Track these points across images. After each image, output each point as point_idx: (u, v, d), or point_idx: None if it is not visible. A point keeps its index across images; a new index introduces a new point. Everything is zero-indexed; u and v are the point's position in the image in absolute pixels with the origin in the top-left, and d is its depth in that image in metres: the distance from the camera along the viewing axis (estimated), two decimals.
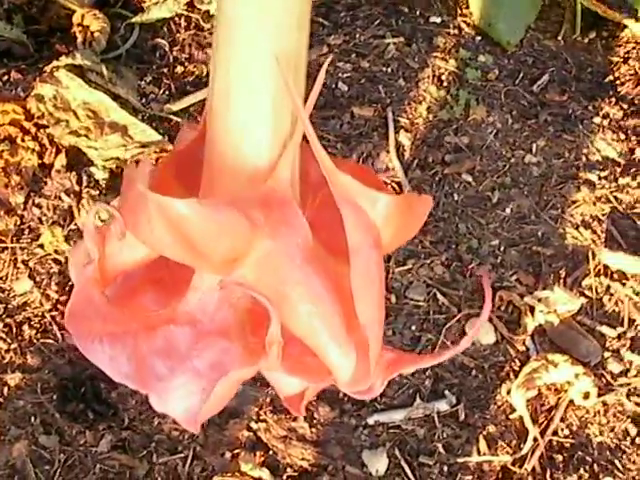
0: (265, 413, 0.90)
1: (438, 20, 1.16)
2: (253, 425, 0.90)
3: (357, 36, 1.13)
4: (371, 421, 0.92)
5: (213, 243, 0.36)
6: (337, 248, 0.39)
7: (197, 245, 0.36)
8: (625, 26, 1.22)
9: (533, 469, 0.91)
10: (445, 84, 1.12)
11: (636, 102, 1.16)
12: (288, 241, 0.36)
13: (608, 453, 0.93)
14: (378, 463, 0.90)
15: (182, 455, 0.86)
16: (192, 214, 0.35)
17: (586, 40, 1.21)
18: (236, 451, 0.88)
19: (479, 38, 1.17)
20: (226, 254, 0.36)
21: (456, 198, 1.04)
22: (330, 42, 1.11)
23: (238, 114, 0.36)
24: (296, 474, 0.87)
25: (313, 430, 0.90)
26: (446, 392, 0.94)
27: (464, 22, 1.17)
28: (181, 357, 0.39)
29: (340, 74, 1.09)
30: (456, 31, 1.16)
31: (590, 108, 1.14)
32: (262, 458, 0.88)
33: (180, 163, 0.42)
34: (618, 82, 1.18)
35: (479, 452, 0.92)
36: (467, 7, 1.18)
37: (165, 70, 1.08)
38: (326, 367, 0.38)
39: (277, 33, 0.35)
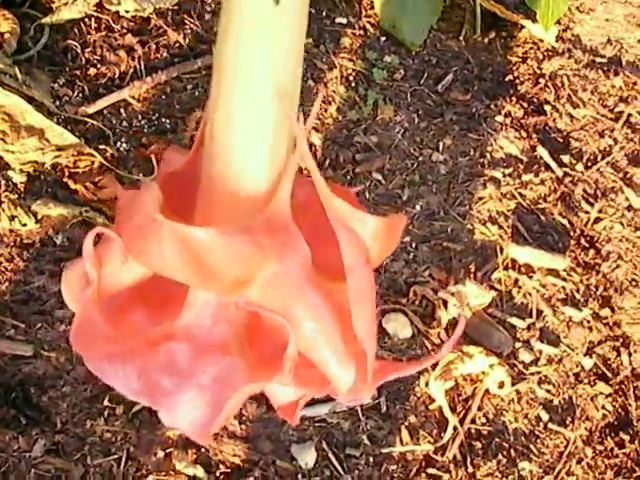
0: None
1: (344, 21, 1.32)
2: None
3: None
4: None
5: (227, 268, 0.42)
6: (328, 266, 0.45)
7: (210, 269, 0.42)
8: (523, 26, 1.40)
9: (454, 457, 1.07)
10: (353, 84, 1.28)
11: (535, 101, 1.35)
12: (292, 263, 0.43)
13: (523, 439, 1.10)
14: (307, 456, 1.04)
15: (116, 456, 0.97)
16: (211, 242, 0.41)
17: (486, 40, 1.39)
18: (169, 450, 0.99)
19: (384, 39, 1.32)
20: (237, 277, 0.43)
21: (367, 196, 1.20)
22: None
23: (240, 143, 0.43)
24: (229, 470, 1.00)
25: (243, 427, 1.03)
26: None
27: (369, 23, 1.33)
28: (185, 373, 0.45)
29: None
30: (362, 32, 1.32)
31: (492, 107, 1.32)
32: (195, 456, 1.00)
33: (168, 185, 0.48)
34: (518, 81, 1.37)
35: (402, 442, 1.07)
36: (372, 8, 1.34)
37: (78, 72, 1.17)
38: (325, 378, 0.45)
39: (278, 67, 0.44)
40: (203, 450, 1.00)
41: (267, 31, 0.43)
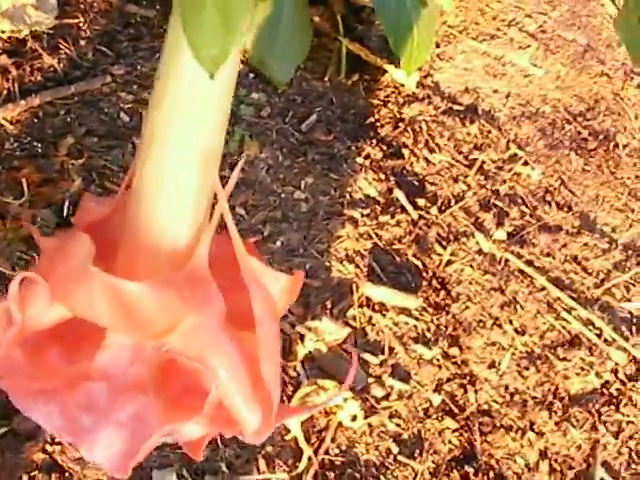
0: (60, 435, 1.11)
1: None
2: (48, 448, 1.10)
3: (139, 67, 1.37)
4: (159, 442, 1.17)
5: (153, 318, 0.49)
6: (236, 314, 0.52)
7: (137, 318, 0.49)
8: (385, 71, 1.54)
9: None
10: None
11: (394, 144, 1.50)
12: (209, 315, 0.51)
13: (374, 470, 1.23)
14: None
15: None
16: (140, 294, 0.48)
17: (350, 82, 1.52)
18: (33, 474, 1.07)
19: (252, 75, 1.44)
20: (161, 326, 0.49)
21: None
22: (113, 72, 1.34)
23: (166, 201, 0.51)
24: None
25: None
26: None
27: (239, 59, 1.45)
28: (102, 411, 0.51)
29: (122, 104, 1.33)
30: None
31: (353, 148, 1.46)
32: None
33: (89, 233, 0.53)
34: (378, 124, 1.51)
35: (259, 471, 1.18)
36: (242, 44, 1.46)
37: None
38: (233, 419, 0.51)
39: (207, 135, 0.52)
40: (67, 475, 1.08)
41: (200, 102, 0.50)
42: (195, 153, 0.52)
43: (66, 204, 1.23)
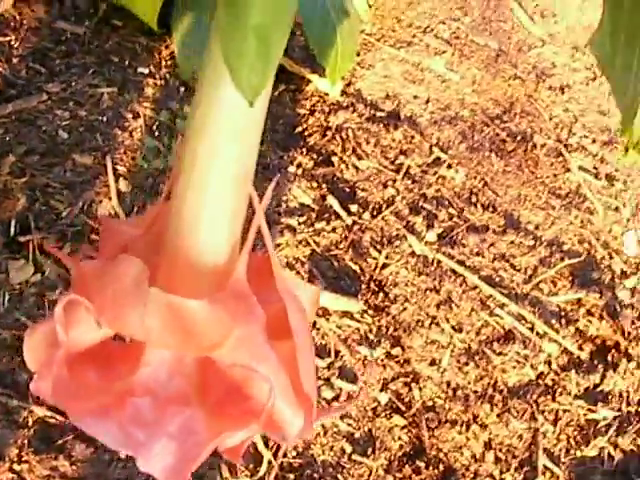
0: (27, 454, 1.18)
1: (146, 71, 1.50)
2: (16, 467, 1.16)
3: (73, 84, 1.44)
4: (123, 455, 1.24)
5: (207, 332, 0.53)
6: (269, 327, 0.55)
7: (192, 335, 0.53)
8: (310, 80, 1.65)
9: None
10: (157, 134, 1.48)
11: (324, 152, 1.60)
12: (253, 326, 0.54)
13: (331, 469, 1.33)
14: None
15: None
16: (199, 311, 0.52)
17: (276, 93, 1.64)
18: None
19: (183, 89, 1.54)
20: (213, 340, 0.53)
21: None
22: (49, 89, 1.42)
23: (208, 223, 0.55)
24: None
25: (73, 467, 1.19)
26: None
27: (169, 73, 1.54)
28: (151, 424, 0.53)
29: (59, 122, 1.40)
30: (162, 82, 1.52)
31: (285, 158, 1.56)
32: None
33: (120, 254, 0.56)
34: (307, 133, 1.61)
35: (222, 477, 1.27)
36: (171, 59, 1.55)
37: None
38: (275, 422, 0.54)
39: (246, 158, 0.55)
40: None
41: (241, 128, 0.55)
42: (236, 176, 0.56)
43: (12, 223, 1.30)
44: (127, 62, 1.52)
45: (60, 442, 1.19)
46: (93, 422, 0.54)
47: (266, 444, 1.28)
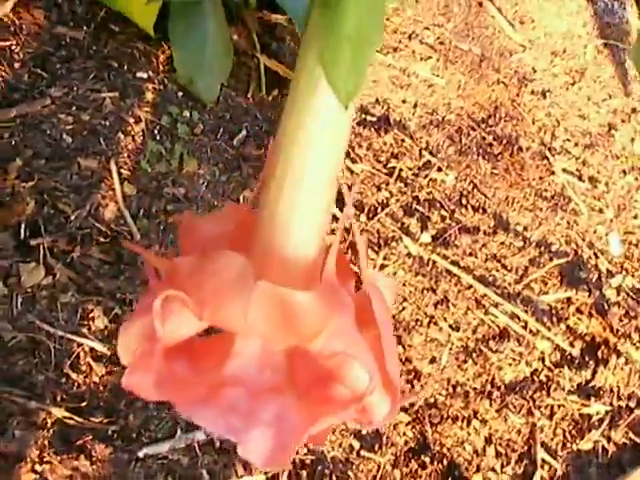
0: (48, 455, 1.20)
1: (145, 76, 1.53)
2: (38, 467, 1.19)
3: (75, 89, 1.46)
4: (141, 454, 1.26)
5: (309, 324, 0.56)
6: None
7: (294, 326, 0.56)
8: None
9: None
10: (158, 137, 1.51)
11: None
12: (346, 317, 0.57)
13: (341, 465, 1.37)
14: None
15: None
16: (305, 303, 0.55)
17: (271, 98, 1.67)
18: None
19: (181, 94, 1.56)
20: (314, 330, 0.56)
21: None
22: (51, 94, 1.43)
23: (300, 223, 0.58)
24: None
25: (94, 467, 1.21)
26: None
27: (167, 78, 1.57)
28: (247, 413, 0.56)
29: (63, 126, 1.42)
30: (162, 87, 1.55)
31: None
32: None
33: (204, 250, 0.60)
34: None
35: (237, 474, 1.30)
36: (168, 64, 1.58)
37: None
38: (364, 407, 0.58)
39: (336, 161, 0.59)
40: None
41: (334, 133, 0.58)
42: (328, 179, 0.59)
43: (22, 226, 1.32)
44: (126, 67, 1.55)
45: (80, 442, 1.22)
46: (198, 411, 0.57)
47: None
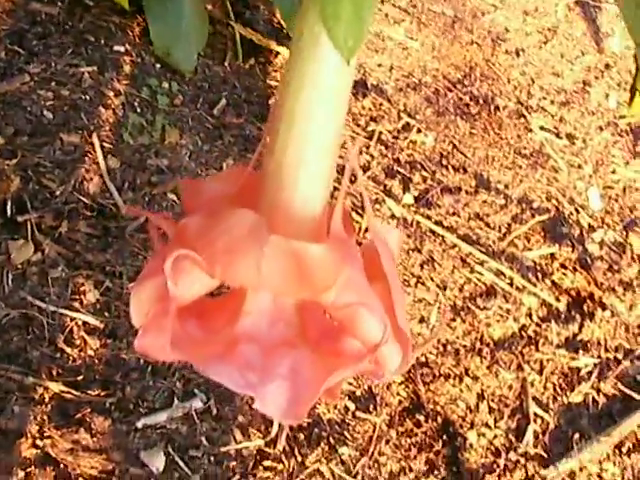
0: (49, 429, 1.21)
1: (122, 49, 1.53)
2: (39, 442, 1.19)
3: (53, 65, 1.46)
4: (140, 425, 1.27)
5: (322, 276, 0.56)
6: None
7: (307, 279, 0.56)
8: (278, 52, 1.71)
9: (284, 449, 1.32)
10: (139, 110, 1.51)
11: None
12: (356, 268, 0.58)
13: (337, 427, 1.38)
14: (156, 461, 1.25)
15: None
16: (319, 255, 0.55)
17: (247, 66, 1.67)
18: (29, 470, 1.16)
19: (159, 66, 1.56)
20: (326, 283, 0.57)
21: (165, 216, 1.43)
22: (30, 70, 1.42)
23: (307, 179, 0.59)
24: None
25: (94, 440, 1.22)
26: (196, 391, 1.32)
27: (144, 51, 1.57)
28: (262, 368, 0.57)
29: (43, 102, 1.42)
30: (139, 59, 1.55)
31: (263, 129, 1.61)
32: (54, 472, 1.17)
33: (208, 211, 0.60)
34: None
35: (236, 440, 1.31)
36: (145, 36, 1.58)
37: None
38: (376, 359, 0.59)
39: (339, 116, 0.59)
40: (62, 466, 1.18)
41: (337, 89, 0.58)
42: (332, 135, 0.60)
43: (8, 204, 1.32)
44: (103, 41, 1.54)
45: (79, 416, 1.22)
46: (214, 368, 0.58)
47: None
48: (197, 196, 0.67)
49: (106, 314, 1.31)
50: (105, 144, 1.43)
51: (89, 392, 1.25)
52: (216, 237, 0.58)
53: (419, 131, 1.72)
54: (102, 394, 1.25)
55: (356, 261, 0.59)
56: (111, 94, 1.49)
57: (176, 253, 0.56)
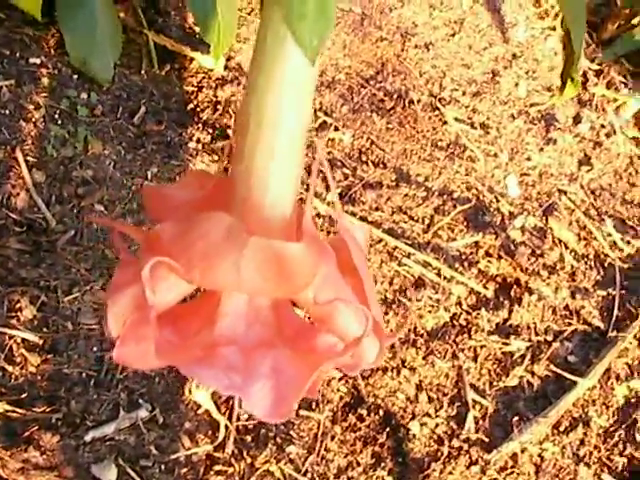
0: None
1: (37, 61, 1.52)
2: None
3: None
4: (88, 438, 1.26)
5: (301, 274, 0.58)
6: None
7: (286, 278, 0.57)
8: (192, 58, 1.71)
9: (233, 452, 1.33)
10: (60, 122, 1.50)
11: (217, 126, 1.66)
12: (330, 265, 0.60)
13: (283, 427, 1.39)
14: (108, 474, 1.25)
15: None
16: (298, 254, 0.56)
17: (163, 73, 1.67)
18: None
19: (76, 77, 1.56)
20: (304, 281, 0.58)
21: (95, 227, 1.43)
22: None
23: (278, 174, 0.61)
24: None
25: (44, 457, 1.21)
26: (141, 401, 1.33)
27: (60, 62, 1.57)
28: (244, 369, 0.58)
29: None
30: (56, 71, 1.54)
31: (184, 135, 1.61)
32: None
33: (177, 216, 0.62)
34: (199, 109, 1.66)
35: (184, 447, 1.32)
36: (59, 48, 1.58)
37: None
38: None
39: (306, 110, 0.61)
40: None
41: (303, 85, 0.61)
42: (300, 129, 0.61)
43: None
44: (18, 54, 1.53)
45: (27, 434, 1.22)
46: (201, 372, 0.59)
47: (219, 409, 1.34)
48: (162, 203, 0.68)
49: (44, 329, 1.31)
50: (29, 158, 1.43)
51: (34, 409, 1.25)
52: (192, 242, 0.59)
53: (336, 129, 1.74)
54: (47, 410, 1.25)
55: (330, 258, 0.61)
56: (31, 107, 1.48)
57: (153, 261, 0.58)
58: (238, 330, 0.60)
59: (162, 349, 0.59)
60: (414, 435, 1.43)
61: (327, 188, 1.64)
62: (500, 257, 1.67)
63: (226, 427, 1.33)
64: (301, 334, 0.62)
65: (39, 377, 1.27)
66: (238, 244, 0.57)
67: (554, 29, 2.10)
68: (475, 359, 1.55)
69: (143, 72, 1.65)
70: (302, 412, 1.40)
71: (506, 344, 1.57)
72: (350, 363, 0.63)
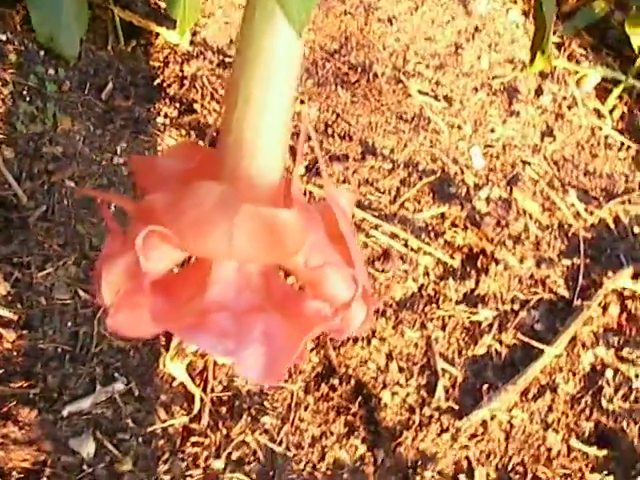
0: None
1: (3, 38, 1.53)
2: None
3: None
4: (65, 413, 1.28)
5: (292, 241, 0.59)
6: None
7: (278, 244, 0.58)
8: (158, 34, 1.72)
9: (208, 423, 1.35)
10: (28, 98, 1.51)
11: (185, 101, 1.67)
12: (319, 231, 0.62)
13: (257, 398, 1.41)
14: (87, 447, 1.26)
15: None
16: (289, 220, 0.58)
17: (129, 49, 1.69)
18: None
19: (43, 53, 1.57)
20: (295, 247, 0.60)
21: (66, 203, 1.44)
22: None
23: (265, 146, 0.62)
24: (22, 475, 1.20)
25: (23, 432, 1.22)
26: (116, 375, 1.34)
27: (26, 38, 1.57)
28: (236, 335, 0.59)
29: None
30: (23, 47, 1.55)
31: (152, 110, 1.62)
32: None
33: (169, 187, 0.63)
34: (165, 84, 1.67)
35: (161, 419, 1.34)
36: (26, 24, 1.58)
37: None
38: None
39: (293, 84, 0.63)
40: None
41: (290, 60, 0.63)
42: (287, 102, 0.63)
43: None
44: None
45: (5, 409, 1.23)
46: (194, 337, 0.61)
47: (193, 381, 1.36)
48: (151, 173, 0.70)
49: (19, 305, 1.32)
50: None
51: (11, 385, 1.26)
52: (184, 211, 0.60)
53: (302, 102, 1.76)
54: (25, 385, 1.26)
55: (318, 224, 0.63)
56: None
57: (147, 229, 0.59)
58: (229, 297, 0.61)
59: (156, 316, 0.60)
60: (386, 404, 1.45)
61: (294, 162, 1.66)
62: (466, 228, 1.69)
63: (201, 399, 1.35)
64: (291, 300, 0.64)
65: (15, 353, 1.28)
66: (230, 212, 0.58)
67: (515, 2, 2.13)
68: (443, 328, 1.57)
69: (110, 48, 1.65)
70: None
71: (474, 313, 1.60)
72: (339, 327, 0.64)
